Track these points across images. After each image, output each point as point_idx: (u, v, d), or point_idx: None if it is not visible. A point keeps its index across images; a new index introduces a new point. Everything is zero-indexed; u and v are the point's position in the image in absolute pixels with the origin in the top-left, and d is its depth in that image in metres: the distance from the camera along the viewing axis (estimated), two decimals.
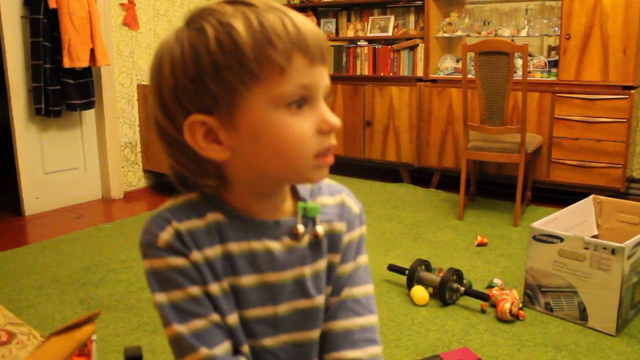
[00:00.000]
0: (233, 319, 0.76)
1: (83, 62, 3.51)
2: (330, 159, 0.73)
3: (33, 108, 3.51)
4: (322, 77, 0.71)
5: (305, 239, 0.79)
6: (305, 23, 0.69)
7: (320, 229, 0.80)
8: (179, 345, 0.73)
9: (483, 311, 2.24)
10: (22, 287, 2.51)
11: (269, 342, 0.79)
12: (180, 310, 0.73)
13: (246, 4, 0.69)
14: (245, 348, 0.77)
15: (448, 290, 2.28)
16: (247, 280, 0.76)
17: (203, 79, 0.67)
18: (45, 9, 3.40)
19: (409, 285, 2.39)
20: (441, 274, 2.33)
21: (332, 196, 0.85)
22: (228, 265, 0.76)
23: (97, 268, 2.72)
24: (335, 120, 0.71)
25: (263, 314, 0.78)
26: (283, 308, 0.79)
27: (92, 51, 3.55)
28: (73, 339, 1.00)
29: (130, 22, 3.96)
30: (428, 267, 2.46)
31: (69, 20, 3.42)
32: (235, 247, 0.76)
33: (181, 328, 0.73)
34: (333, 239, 0.82)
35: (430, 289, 2.37)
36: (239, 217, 0.76)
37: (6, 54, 3.42)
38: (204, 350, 0.73)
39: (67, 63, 3.44)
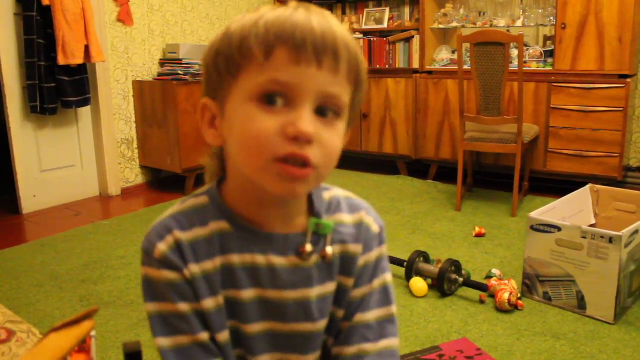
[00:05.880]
0: (224, 336, 0.74)
1: (78, 59, 3.49)
2: (295, 172, 0.65)
3: (28, 106, 3.49)
4: (312, 79, 0.64)
5: (313, 259, 0.75)
6: (313, 22, 0.64)
7: (329, 250, 0.76)
8: (162, 358, 0.73)
9: (482, 302, 2.24)
10: (21, 285, 2.50)
11: (266, 358, 0.77)
12: (167, 324, 0.73)
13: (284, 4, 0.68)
14: None
15: (447, 281, 2.29)
16: (247, 294, 0.74)
17: (208, 64, 0.71)
18: (39, 6, 3.37)
19: (408, 277, 2.39)
20: (440, 265, 2.33)
21: (351, 214, 0.80)
22: (228, 277, 0.73)
23: (95, 265, 2.72)
24: (304, 126, 0.63)
25: (262, 329, 0.76)
26: (282, 327, 0.76)
27: (87, 48, 3.53)
28: (72, 336, 1.00)
29: (125, 17, 3.94)
30: (426, 259, 2.47)
31: (62, 17, 3.40)
32: (237, 258, 0.73)
33: (164, 342, 0.73)
34: (346, 261, 0.78)
35: (429, 281, 2.37)
36: (245, 227, 0.73)
37: (0, 51, 3.41)
38: None
39: (61, 60, 3.43)
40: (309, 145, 0.65)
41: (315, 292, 0.76)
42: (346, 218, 0.79)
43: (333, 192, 0.81)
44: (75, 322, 1.04)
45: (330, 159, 0.68)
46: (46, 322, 2.15)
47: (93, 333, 1.08)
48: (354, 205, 0.81)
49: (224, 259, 0.73)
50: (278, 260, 0.74)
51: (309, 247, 0.74)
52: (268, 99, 0.65)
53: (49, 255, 2.86)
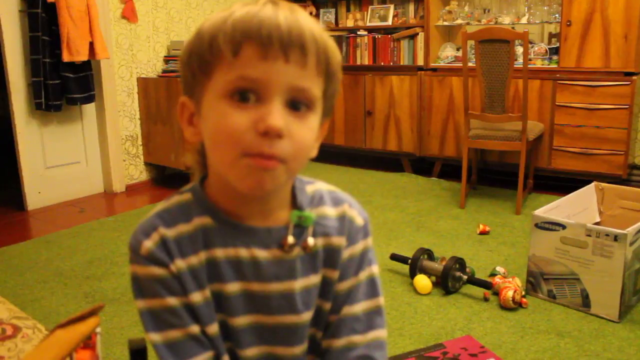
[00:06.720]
0: (213, 329, 0.75)
1: (82, 56, 3.50)
2: (264, 164, 0.66)
3: (33, 103, 3.50)
4: (280, 74, 0.65)
5: (296, 251, 0.76)
6: (280, 17, 0.65)
7: (311, 241, 0.76)
8: (155, 353, 0.74)
9: (486, 299, 2.24)
10: (26, 282, 2.52)
11: (253, 351, 0.78)
12: (157, 319, 0.73)
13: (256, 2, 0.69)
14: (226, 359, 0.77)
15: (451, 278, 2.29)
16: (232, 287, 0.75)
17: (184, 63, 0.72)
18: (44, 3, 3.38)
19: (412, 275, 2.39)
20: (444, 263, 2.33)
21: (334, 207, 0.80)
22: (213, 271, 0.74)
23: (100, 261, 2.73)
24: (274, 121, 0.65)
25: (248, 322, 0.77)
26: (267, 320, 0.77)
27: (91, 45, 3.54)
28: (77, 332, 1.01)
29: (129, 14, 3.94)
30: (430, 256, 2.47)
31: (67, 14, 3.40)
32: (220, 252, 0.74)
33: (156, 337, 0.73)
34: (330, 254, 0.78)
35: (433, 278, 2.37)
36: (228, 221, 0.75)
37: (5, 48, 3.42)
38: None
39: (66, 57, 3.44)
40: (279, 139, 0.66)
41: (298, 284, 0.77)
42: (329, 211, 0.80)
43: (317, 185, 0.82)
44: (81, 318, 1.04)
45: (301, 153, 0.69)
46: (51, 318, 2.16)
47: (98, 329, 1.08)
48: (337, 199, 0.82)
49: (208, 253, 0.74)
50: (261, 253, 0.75)
51: (290, 239, 0.75)
52: (240, 95, 0.66)
53: (53, 252, 2.87)
